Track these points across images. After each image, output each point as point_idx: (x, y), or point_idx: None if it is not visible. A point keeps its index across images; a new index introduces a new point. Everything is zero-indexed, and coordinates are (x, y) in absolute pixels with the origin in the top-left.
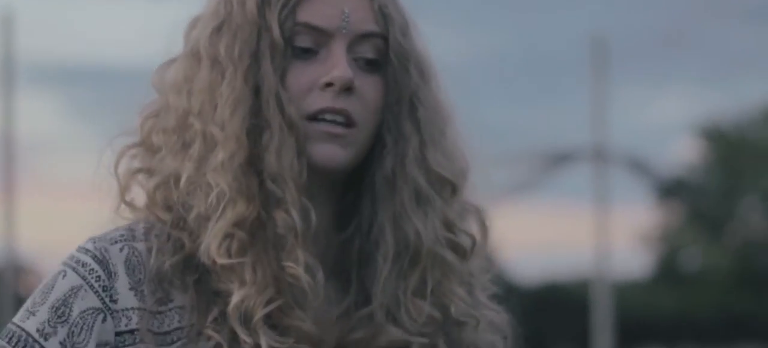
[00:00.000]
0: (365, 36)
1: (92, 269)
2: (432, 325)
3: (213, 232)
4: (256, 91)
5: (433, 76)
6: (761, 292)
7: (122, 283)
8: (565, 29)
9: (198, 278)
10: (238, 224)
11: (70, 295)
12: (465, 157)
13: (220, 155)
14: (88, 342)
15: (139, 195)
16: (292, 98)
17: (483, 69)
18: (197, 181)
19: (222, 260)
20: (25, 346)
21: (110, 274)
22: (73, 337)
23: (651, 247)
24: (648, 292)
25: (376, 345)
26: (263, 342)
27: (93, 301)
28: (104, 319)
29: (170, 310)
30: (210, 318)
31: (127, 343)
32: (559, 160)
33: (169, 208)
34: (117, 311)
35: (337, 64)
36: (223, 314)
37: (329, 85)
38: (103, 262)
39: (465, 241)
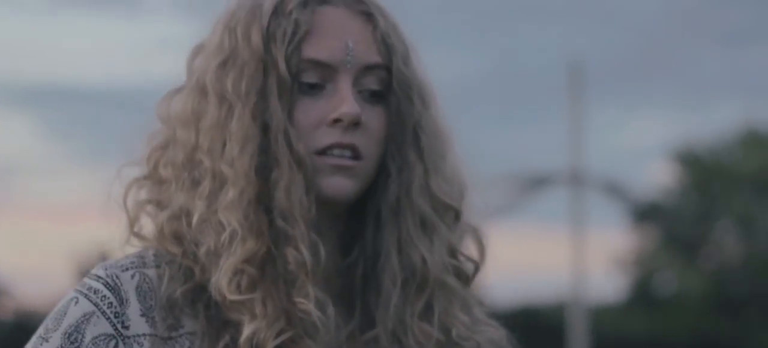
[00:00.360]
0: (369, 68)
1: (104, 296)
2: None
3: (223, 268)
4: (265, 129)
5: (433, 101)
6: (736, 316)
7: (134, 309)
8: (541, 53)
9: (208, 305)
10: (248, 260)
11: (82, 322)
12: (463, 179)
13: (230, 193)
14: None
15: (146, 224)
16: (300, 135)
17: (459, 93)
18: (208, 219)
19: (232, 296)
20: None
21: (122, 301)
22: None
23: (626, 271)
24: (623, 315)
25: None
26: None
27: (105, 327)
28: (116, 345)
29: (181, 335)
30: (221, 345)
31: None
32: (536, 183)
33: (178, 240)
34: (129, 337)
35: (344, 100)
36: (234, 341)
37: (338, 121)
38: (114, 288)
39: (468, 268)
